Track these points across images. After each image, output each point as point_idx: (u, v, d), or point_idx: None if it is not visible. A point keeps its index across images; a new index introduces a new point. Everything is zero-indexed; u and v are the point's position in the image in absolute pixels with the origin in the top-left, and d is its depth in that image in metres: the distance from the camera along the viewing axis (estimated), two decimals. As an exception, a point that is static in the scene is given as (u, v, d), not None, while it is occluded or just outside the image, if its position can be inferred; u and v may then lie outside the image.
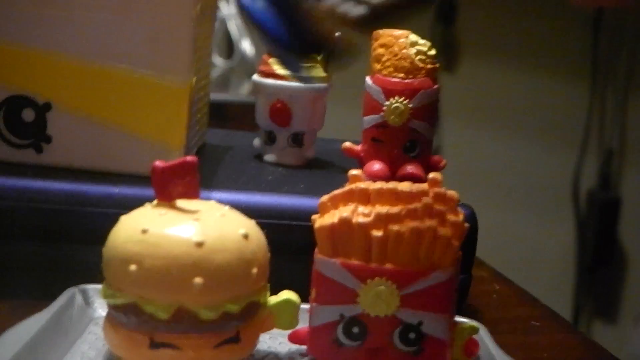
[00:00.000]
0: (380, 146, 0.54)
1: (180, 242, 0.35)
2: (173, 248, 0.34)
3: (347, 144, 0.55)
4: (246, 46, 1.25)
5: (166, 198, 0.37)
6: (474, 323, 0.41)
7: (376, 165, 0.53)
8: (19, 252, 0.46)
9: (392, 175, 0.53)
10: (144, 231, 0.35)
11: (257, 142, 0.58)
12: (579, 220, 1.46)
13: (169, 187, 0.37)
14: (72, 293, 0.43)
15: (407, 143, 0.53)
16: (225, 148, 0.60)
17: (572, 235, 1.48)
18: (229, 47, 1.28)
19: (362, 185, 0.39)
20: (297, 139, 0.56)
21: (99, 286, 0.43)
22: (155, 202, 0.38)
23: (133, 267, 0.35)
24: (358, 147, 0.55)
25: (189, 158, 0.37)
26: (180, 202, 0.37)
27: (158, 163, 0.36)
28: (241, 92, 1.17)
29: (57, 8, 0.46)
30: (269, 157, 0.57)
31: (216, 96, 0.99)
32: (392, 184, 0.39)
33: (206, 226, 0.36)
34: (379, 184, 0.39)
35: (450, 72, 1.42)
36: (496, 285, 0.57)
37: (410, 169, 0.53)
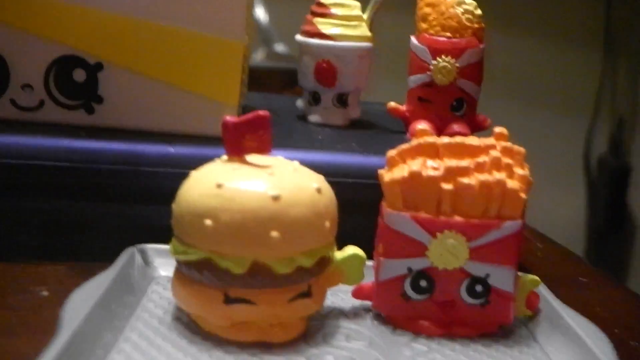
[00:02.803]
0: (427, 105, 0.54)
1: (256, 196, 0.35)
2: (250, 202, 0.34)
3: (393, 104, 0.55)
4: (260, 13, 1.24)
5: (238, 153, 0.37)
6: (535, 277, 0.41)
7: (423, 125, 0.53)
8: (74, 214, 0.46)
9: (439, 134, 0.53)
10: (219, 185, 0.35)
11: (300, 103, 0.58)
12: (590, 186, 1.47)
13: (240, 142, 0.36)
14: (132, 253, 0.43)
15: (454, 102, 0.53)
16: (268, 109, 0.59)
17: (583, 201, 1.48)
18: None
19: (430, 139, 0.39)
20: (341, 100, 0.56)
21: (158, 246, 0.43)
22: (224, 157, 0.38)
23: (208, 222, 0.35)
24: (403, 107, 0.55)
25: (262, 112, 0.36)
26: (250, 157, 0.37)
27: (229, 118, 0.36)
28: (256, 58, 1.17)
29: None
30: (313, 118, 0.56)
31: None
32: (460, 138, 0.39)
33: (281, 180, 0.36)
34: (447, 138, 0.39)
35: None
36: (539, 243, 0.57)
37: (456, 127, 0.53)
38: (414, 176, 0.37)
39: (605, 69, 1.42)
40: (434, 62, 0.52)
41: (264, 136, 0.37)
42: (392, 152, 0.39)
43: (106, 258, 0.42)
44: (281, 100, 0.63)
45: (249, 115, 0.36)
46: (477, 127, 0.55)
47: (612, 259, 1.48)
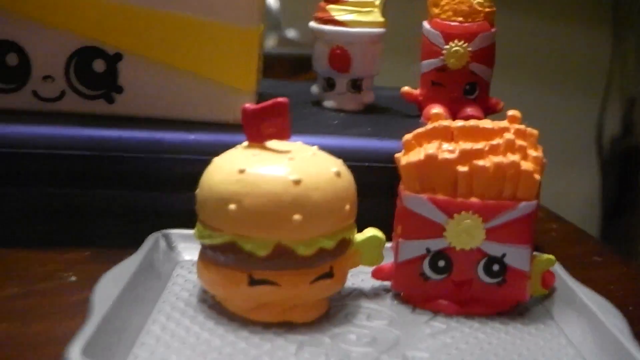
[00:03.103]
0: (440, 89, 0.54)
1: (278, 180, 0.36)
2: (272, 186, 0.35)
3: (406, 89, 0.56)
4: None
5: (257, 139, 0.38)
6: (550, 256, 0.42)
7: (437, 109, 0.54)
8: (96, 201, 0.47)
9: (452, 117, 0.54)
10: (241, 171, 0.36)
11: (315, 88, 0.59)
12: (602, 167, 1.47)
13: (260, 129, 0.37)
14: (156, 238, 0.44)
15: (467, 86, 0.54)
16: (282, 96, 0.60)
17: (595, 182, 1.48)
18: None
19: (445, 122, 0.40)
20: (355, 85, 0.57)
21: (181, 231, 0.45)
22: (245, 143, 0.39)
23: (232, 206, 0.36)
24: (417, 92, 0.56)
25: (281, 99, 0.37)
26: (270, 143, 0.38)
27: (248, 105, 0.37)
28: (267, 45, 1.17)
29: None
30: (328, 103, 0.57)
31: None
32: (473, 121, 0.40)
33: (301, 165, 0.36)
34: (461, 122, 0.40)
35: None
36: (553, 224, 0.58)
37: (469, 111, 0.54)
38: (430, 159, 0.38)
39: (615, 49, 1.42)
40: (446, 46, 0.53)
41: (283, 122, 0.38)
42: (408, 136, 0.40)
43: (130, 243, 0.43)
44: (295, 86, 0.64)
45: (268, 102, 0.37)
46: (490, 110, 0.56)
47: (625, 237, 1.48)
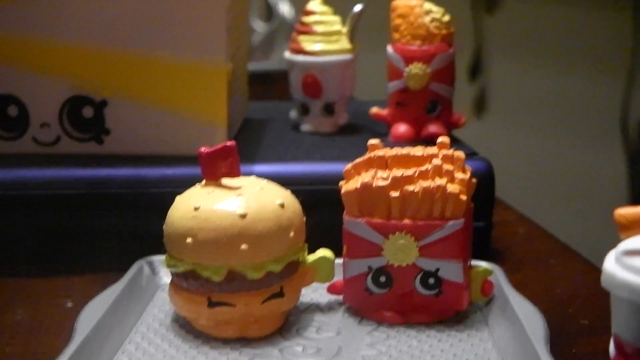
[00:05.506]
0: (404, 109, 0.59)
1: (226, 215, 0.41)
2: (221, 221, 0.41)
3: (375, 110, 0.60)
4: (285, 9, 1.29)
5: (212, 178, 0.43)
6: (488, 266, 0.46)
7: (401, 128, 0.59)
8: (91, 233, 0.53)
9: (417, 135, 0.58)
10: (196, 208, 0.41)
11: (293, 113, 0.64)
12: (629, 150, 1.47)
13: (213, 169, 0.43)
14: (141, 265, 0.50)
15: (429, 104, 0.58)
16: (266, 121, 0.66)
17: (623, 166, 1.49)
18: (269, 10, 1.32)
19: (380, 152, 0.44)
20: (329, 108, 0.61)
21: (162, 257, 0.50)
22: (203, 182, 0.44)
23: (189, 239, 0.41)
24: (385, 112, 0.60)
25: (229, 143, 0.43)
26: (225, 180, 0.43)
27: (203, 149, 0.43)
28: (284, 56, 1.22)
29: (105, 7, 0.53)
30: (304, 127, 0.62)
31: (258, 65, 1.04)
32: (406, 150, 0.44)
33: (247, 200, 0.42)
34: (395, 150, 0.44)
35: (491, 14, 1.44)
36: (520, 228, 0.61)
37: (432, 128, 0.58)
38: (366, 186, 0.43)
39: (638, 27, 1.41)
40: (406, 69, 0.57)
41: (233, 162, 0.43)
42: (348, 166, 0.45)
43: (121, 268, 0.49)
44: (282, 108, 0.69)
45: (218, 146, 0.43)
46: (452, 126, 0.60)
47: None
